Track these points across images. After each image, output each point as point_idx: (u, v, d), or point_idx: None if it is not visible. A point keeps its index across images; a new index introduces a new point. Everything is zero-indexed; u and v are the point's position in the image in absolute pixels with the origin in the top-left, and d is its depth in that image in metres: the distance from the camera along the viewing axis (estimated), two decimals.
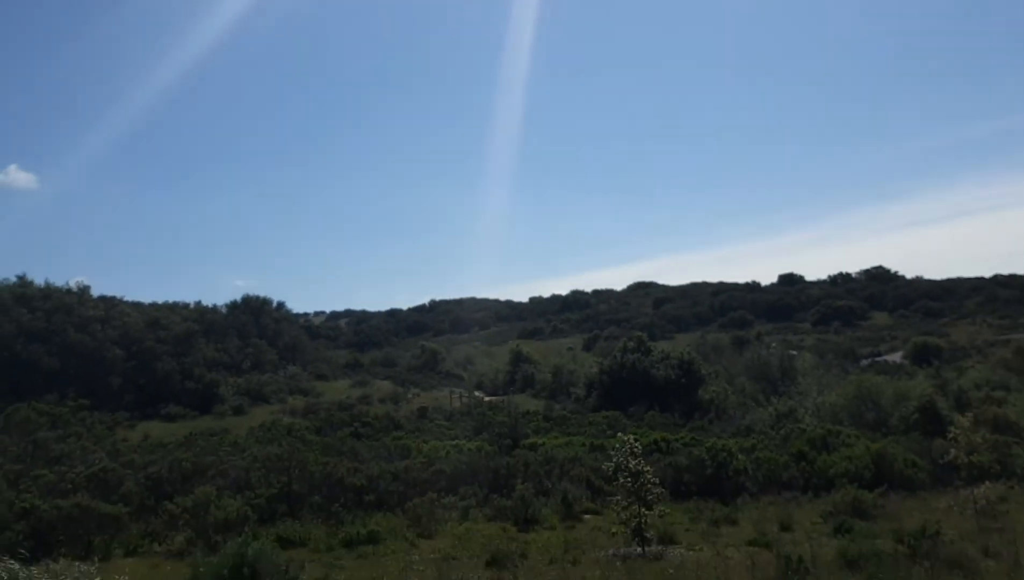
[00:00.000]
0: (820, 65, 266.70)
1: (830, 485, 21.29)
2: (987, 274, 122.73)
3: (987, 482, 19.40)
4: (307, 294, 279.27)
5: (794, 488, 22.04)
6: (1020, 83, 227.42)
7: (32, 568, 10.02)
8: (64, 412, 30.35)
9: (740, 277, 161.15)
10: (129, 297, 73.11)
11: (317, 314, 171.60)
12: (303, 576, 12.08)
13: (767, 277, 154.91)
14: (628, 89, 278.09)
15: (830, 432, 27.42)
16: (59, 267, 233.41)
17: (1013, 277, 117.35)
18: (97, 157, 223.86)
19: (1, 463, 20.41)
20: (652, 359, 53.66)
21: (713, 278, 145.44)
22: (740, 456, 23.08)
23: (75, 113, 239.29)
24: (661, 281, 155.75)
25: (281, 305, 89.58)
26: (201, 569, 11.25)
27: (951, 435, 20.50)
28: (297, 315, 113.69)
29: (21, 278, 61.92)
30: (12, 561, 9.60)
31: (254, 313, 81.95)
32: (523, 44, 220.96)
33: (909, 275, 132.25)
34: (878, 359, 70.33)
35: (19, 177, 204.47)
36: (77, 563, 11.51)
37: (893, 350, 76.46)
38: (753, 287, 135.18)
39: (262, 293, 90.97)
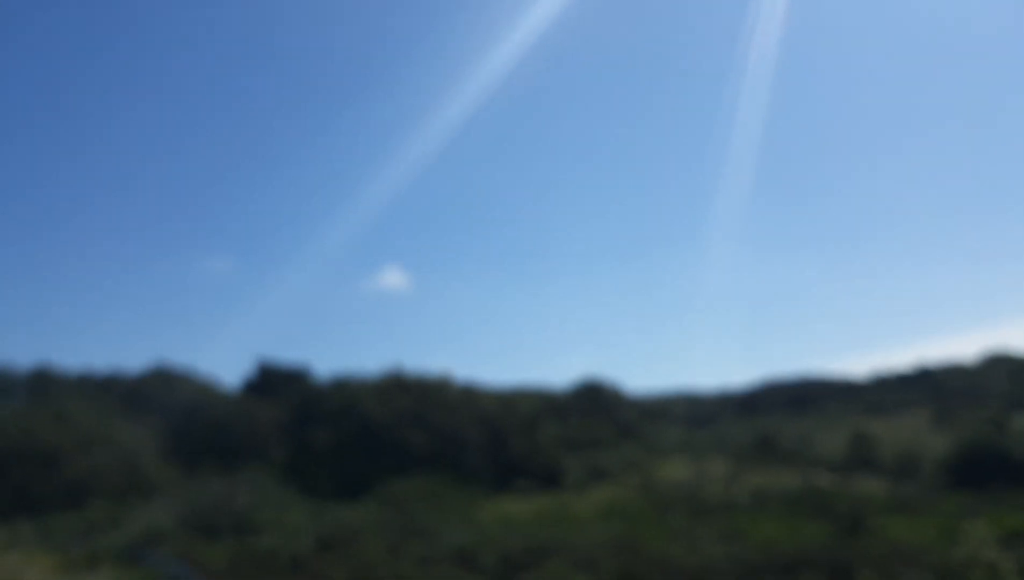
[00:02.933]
0: None
1: None
2: None
3: None
4: (639, 374, 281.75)
5: None
6: None
7: None
8: (433, 488, 32.75)
9: None
10: (485, 380, 79.00)
11: (650, 393, 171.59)
12: None
13: None
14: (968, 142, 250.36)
15: None
16: (430, 356, 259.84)
17: None
18: (456, 259, 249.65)
19: (383, 535, 22.14)
20: (1012, 436, 46.80)
21: None
22: None
23: (441, 222, 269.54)
24: (1018, 351, 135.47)
25: (617, 386, 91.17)
26: None
27: None
28: (631, 394, 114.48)
29: (397, 368, 69.69)
30: None
31: (593, 394, 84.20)
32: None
33: None
34: None
35: (394, 277, 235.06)
36: None
37: None
38: None
39: (599, 373, 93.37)
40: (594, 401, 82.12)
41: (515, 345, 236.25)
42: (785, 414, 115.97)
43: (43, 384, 52.34)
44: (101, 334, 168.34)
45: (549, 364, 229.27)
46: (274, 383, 71.66)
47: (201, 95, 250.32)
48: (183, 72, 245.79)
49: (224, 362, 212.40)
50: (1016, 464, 44.35)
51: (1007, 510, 30.22)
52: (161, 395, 58.78)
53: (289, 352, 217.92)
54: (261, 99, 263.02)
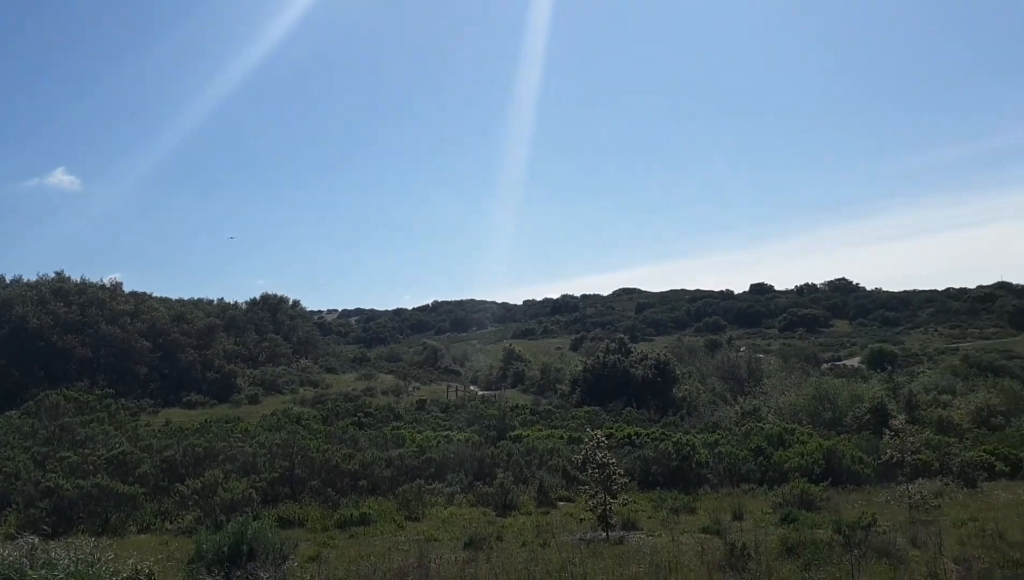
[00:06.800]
0: (798, 96, 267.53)
1: (784, 478, 21.11)
2: (940, 288, 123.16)
3: (923, 478, 19.55)
4: (321, 293, 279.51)
5: (751, 480, 22.00)
6: (984, 111, 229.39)
7: (52, 543, 10.09)
8: (91, 399, 30.25)
9: (715, 286, 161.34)
10: (159, 293, 73.42)
11: (330, 312, 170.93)
12: (297, 553, 12.16)
13: (740, 286, 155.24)
14: (627, 113, 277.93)
15: (787, 430, 27.44)
16: (98, 265, 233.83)
17: (963, 291, 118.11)
18: (138, 166, 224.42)
19: (30, 446, 20.38)
20: (632, 359, 53.84)
21: (691, 286, 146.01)
22: (703, 450, 23.10)
23: (122, 124, 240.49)
24: (644, 288, 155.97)
25: (296, 303, 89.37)
26: (204, 545, 11.30)
27: (887, 435, 20.40)
28: (311, 313, 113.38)
29: (59, 274, 61.91)
30: (34, 536, 9.64)
31: (271, 310, 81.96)
32: (533, 65, 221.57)
33: (869, 287, 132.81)
34: (837, 363, 70.60)
35: (64, 180, 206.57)
36: (94, 539, 11.59)
37: (852, 356, 76.67)
38: (727, 295, 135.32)
39: (280, 292, 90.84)
40: (272, 317, 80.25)
41: (195, 260, 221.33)
42: (450, 334, 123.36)
43: None
44: None
45: (233, 281, 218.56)
46: None
47: None
48: None
49: None
50: (634, 382, 51.49)
51: (624, 421, 35.75)
52: None
53: None
54: None
